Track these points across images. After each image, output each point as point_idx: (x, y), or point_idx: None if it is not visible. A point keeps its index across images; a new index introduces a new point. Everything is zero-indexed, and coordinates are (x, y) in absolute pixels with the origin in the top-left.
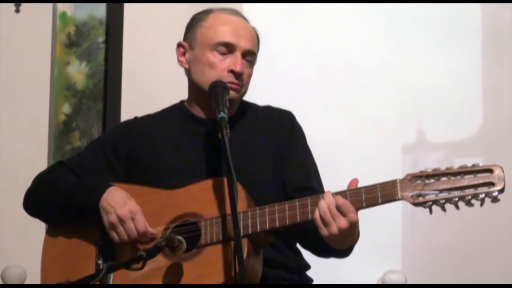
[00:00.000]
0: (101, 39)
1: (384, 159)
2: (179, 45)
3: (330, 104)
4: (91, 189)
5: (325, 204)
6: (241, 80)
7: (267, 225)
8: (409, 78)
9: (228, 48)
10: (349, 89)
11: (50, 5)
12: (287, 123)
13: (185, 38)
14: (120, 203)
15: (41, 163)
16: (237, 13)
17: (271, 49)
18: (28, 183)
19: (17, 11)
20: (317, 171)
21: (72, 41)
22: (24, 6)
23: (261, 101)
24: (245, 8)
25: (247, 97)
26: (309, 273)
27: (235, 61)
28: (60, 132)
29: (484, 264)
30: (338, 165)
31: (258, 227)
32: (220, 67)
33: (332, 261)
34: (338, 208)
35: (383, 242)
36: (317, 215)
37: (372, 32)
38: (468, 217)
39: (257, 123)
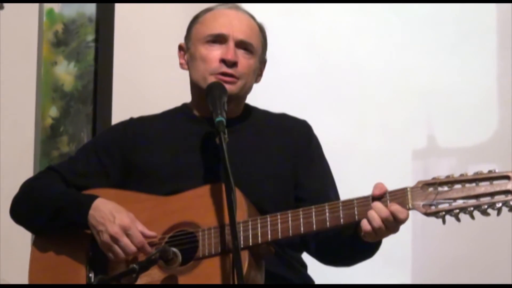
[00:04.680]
0: (90, 37)
1: (393, 166)
2: (180, 47)
3: (335, 107)
4: (76, 204)
5: (378, 216)
6: (236, 70)
7: (269, 236)
8: (420, 80)
9: (220, 39)
10: (356, 91)
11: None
12: (303, 134)
13: (185, 39)
14: (109, 219)
15: (26, 170)
16: (236, 7)
17: (273, 49)
18: (13, 191)
19: (1, 7)
20: (334, 185)
21: (59, 39)
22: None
23: (262, 104)
24: (244, 8)
25: (250, 101)
26: None
27: (226, 50)
28: (47, 137)
29: (499, 279)
30: (344, 171)
31: (260, 238)
32: (211, 58)
33: (338, 276)
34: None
35: (392, 254)
36: (368, 227)
37: (380, 31)
38: (482, 229)
39: (267, 130)
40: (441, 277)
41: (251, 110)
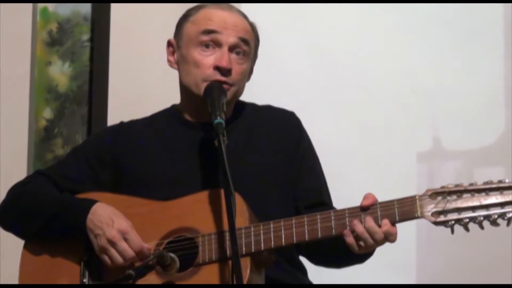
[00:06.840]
0: (85, 37)
1: (397, 168)
2: (169, 43)
3: (337, 108)
4: (74, 209)
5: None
6: (230, 77)
7: (272, 243)
8: (424, 80)
9: (214, 41)
10: (358, 92)
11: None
12: (293, 127)
13: (175, 36)
14: (108, 223)
15: (20, 174)
16: (230, 7)
17: (273, 49)
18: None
19: None
20: (325, 182)
21: (54, 39)
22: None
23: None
24: (243, 8)
25: (248, 100)
26: None
27: (220, 56)
28: (41, 139)
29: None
30: (346, 175)
31: (262, 245)
32: (205, 64)
33: (339, 281)
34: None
35: (396, 260)
36: (351, 240)
37: (384, 30)
38: (490, 234)
39: (257, 126)
40: (445, 282)
41: (239, 107)
